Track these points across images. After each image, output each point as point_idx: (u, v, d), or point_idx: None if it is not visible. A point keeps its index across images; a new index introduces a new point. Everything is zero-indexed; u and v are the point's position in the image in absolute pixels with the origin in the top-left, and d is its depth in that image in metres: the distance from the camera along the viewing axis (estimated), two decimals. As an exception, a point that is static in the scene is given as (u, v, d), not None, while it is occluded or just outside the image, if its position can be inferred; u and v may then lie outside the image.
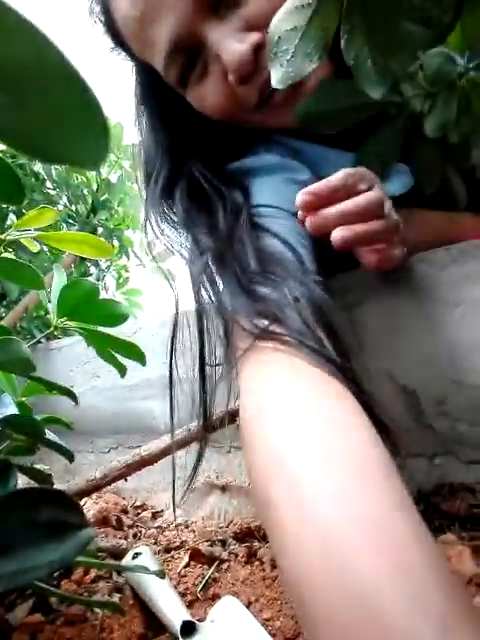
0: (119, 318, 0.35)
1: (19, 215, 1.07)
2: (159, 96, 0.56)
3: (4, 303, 1.09)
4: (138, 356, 0.39)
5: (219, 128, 0.56)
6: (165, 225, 0.56)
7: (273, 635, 0.36)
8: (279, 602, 0.40)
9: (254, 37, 0.45)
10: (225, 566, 0.47)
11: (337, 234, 0.36)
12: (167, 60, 0.49)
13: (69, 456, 0.41)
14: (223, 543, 0.51)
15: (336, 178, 0.37)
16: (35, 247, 0.36)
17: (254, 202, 0.53)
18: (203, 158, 0.57)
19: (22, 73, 0.09)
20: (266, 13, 0.44)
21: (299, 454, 0.24)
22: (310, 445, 0.24)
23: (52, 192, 1.19)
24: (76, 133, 0.10)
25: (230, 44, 0.45)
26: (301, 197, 0.37)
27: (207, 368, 0.61)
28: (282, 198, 0.52)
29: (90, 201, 1.30)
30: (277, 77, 0.32)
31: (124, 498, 0.70)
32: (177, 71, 0.50)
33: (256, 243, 0.46)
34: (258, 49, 0.45)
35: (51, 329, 0.37)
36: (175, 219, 0.55)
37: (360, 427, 0.26)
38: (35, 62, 0.09)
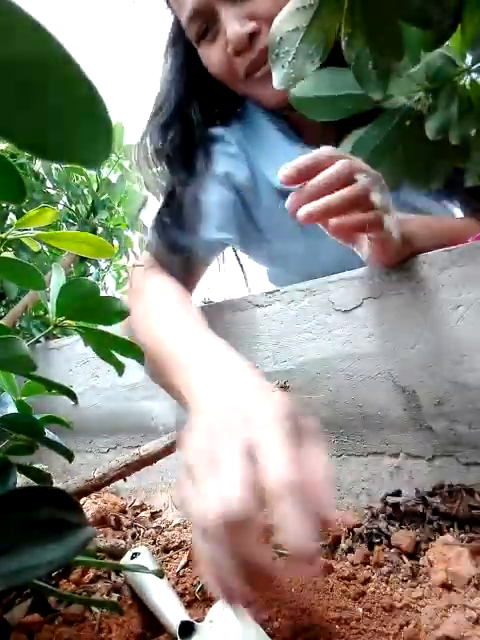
0: (118, 315, 0.35)
1: (19, 215, 1.07)
2: (185, 44, 0.70)
3: (3, 302, 1.09)
4: (137, 355, 0.39)
5: (221, 90, 0.71)
6: (154, 164, 0.74)
7: (272, 635, 0.36)
8: (278, 603, 0.40)
9: (252, 25, 0.60)
10: (224, 566, 0.46)
11: (301, 213, 0.39)
12: (188, 20, 0.64)
13: (68, 455, 0.41)
14: (222, 543, 0.50)
15: (312, 154, 0.42)
16: (37, 246, 0.35)
17: (213, 167, 0.71)
18: (203, 107, 0.73)
19: (25, 71, 0.09)
20: (268, 9, 0.59)
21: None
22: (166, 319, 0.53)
23: (52, 192, 1.19)
24: (79, 131, 0.10)
25: (234, 25, 0.60)
26: (282, 173, 0.41)
27: None
28: (227, 168, 0.73)
29: (90, 201, 1.29)
30: (279, 78, 0.32)
31: (123, 498, 0.70)
32: (194, 31, 0.64)
33: (196, 202, 0.68)
34: (253, 34, 0.60)
35: (50, 328, 0.36)
36: (165, 154, 0.72)
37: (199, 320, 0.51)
38: (39, 60, 0.09)
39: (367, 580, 0.41)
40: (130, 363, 0.46)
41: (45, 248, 1.08)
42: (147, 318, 0.55)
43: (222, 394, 0.33)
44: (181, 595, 0.40)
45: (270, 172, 0.75)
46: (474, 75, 0.32)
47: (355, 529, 0.46)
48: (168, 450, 0.56)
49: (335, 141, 0.71)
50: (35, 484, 0.43)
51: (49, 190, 1.19)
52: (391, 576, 0.40)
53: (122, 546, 0.50)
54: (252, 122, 0.77)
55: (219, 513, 0.24)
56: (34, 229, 0.35)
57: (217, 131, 0.76)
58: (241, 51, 0.61)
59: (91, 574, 0.47)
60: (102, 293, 0.35)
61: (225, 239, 0.75)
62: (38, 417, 0.40)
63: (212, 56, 0.65)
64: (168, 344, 0.47)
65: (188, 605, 0.40)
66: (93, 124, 0.10)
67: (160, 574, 0.35)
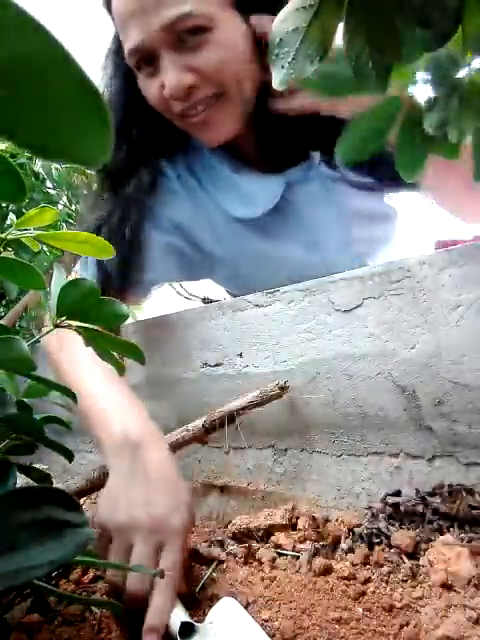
0: (119, 318, 0.35)
1: (19, 215, 1.07)
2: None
3: (3, 303, 1.09)
4: (137, 356, 0.39)
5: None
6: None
7: (272, 636, 0.36)
8: (278, 603, 0.40)
9: (190, 78, 0.60)
10: (224, 567, 0.46)
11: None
12: (130, 51, 0.62)
13: (68, 455, 0.41)
14: (221, 544, 0.51)
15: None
16: (37, 246, 0.35)
17: (156, 203, 0.73)
18: (147, 128, 0.72)
19: (25, 70, 0.09)
20: (210, 65, 0.60)
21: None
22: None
23: (52, 192, 1.19)
24: (77, 129, 0.10)
25: (173, 73, 0.60)
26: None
27: (206, 368, 0.64)
28: (168, 211, 0.74)
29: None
30: (278, 78, 0.32)
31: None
32: (134, 62, 0.63)
33: (137, 241, 0.70)
34: (191, 87, 0.60)
35: (50, 328, 0.36)
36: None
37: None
38: (36, 57, 0.09)
39: (367, 580, 0.41)
40: (130, 364, 0.45)
41: (45, 248, 1.08)
42: (68, 353, 0.61)
43: (132, 469, 0.46)
44: (181, 596, 0.40)
45: (226, 202, 0.75)
46: (474, 73, 0.32)
47: (355, 529, 0.46)
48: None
49: (283, 166, 0.76)
50: (35, 484, 0.43)
51: (49, 190, 1.19)
52: (391, 576, 0.40)
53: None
54: (200, 151, 0.76)
55: (125, 590, 0.38)
56: (34, 229, 0.35)
57: (160, 164, 0.75)
58: (177, 99, 0.62)
59: (91, 574, 0.47)
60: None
61: (160, 280, 0.78)
62: (38, 417, 0.40)
63: (150, 89, 0.65)
64: (88, 388, 0.56)
65: (188, 605, 0.40)
66: (93, 123, 0.10)
67: (160, 574, 0.35)
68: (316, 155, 0.74)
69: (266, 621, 0.38)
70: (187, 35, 0.58)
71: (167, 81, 0.60)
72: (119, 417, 0.52)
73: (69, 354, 0.60)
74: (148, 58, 0.61)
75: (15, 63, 0.09)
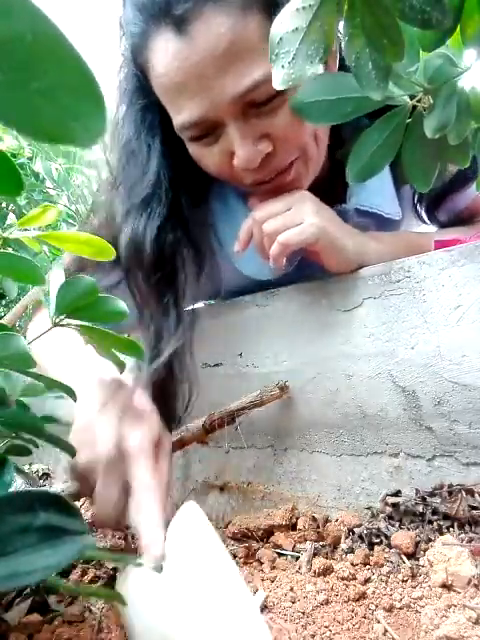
0: (119, 315, 0.35)
1: (19, 215, 1.07)
2: (152, 102, 0.56)
3: (3, 303, 1.09)
4: (137, 353, 0.39)
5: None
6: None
7: (272, 637, 0.36)
8: (278, 603, 0.40)
9: (265, 146, 0.52)
10: (223, 567, 0.46)
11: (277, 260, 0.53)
12: (185, 124, 0.53)
13: (70, 450, 0.41)
14: (221, 544, 0.50)
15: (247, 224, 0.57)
16: (37, 246, 0.35)
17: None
18: (179, 181, 0.60)
19: (18, 50, 0.09)
20: (286, 132, 0.52)
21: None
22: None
23: (52, 192, 1.19)
24: (72, 110, 0.10)
25: (246, 145, 0.51)
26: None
27: (206, 368, 0.63)
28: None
29: (90, 201, 1.30)
30: (278, 78, 0.32)
31: (122, 498, 0.70)
32: (189, 134, 0.54)
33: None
34: (268, 155, 0.53)
35: (50, 327, 0.36)
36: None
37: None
38: (31, 39, 0.09)
39: (367, 580, 0.40)
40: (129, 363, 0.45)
41: (45, 249, 1.08)
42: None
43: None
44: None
45: (239, 258, 0.65)
46: (473, 75, 0.32)
47: (355, 529, 0.46)
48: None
49: None
50: (35, 484, 0.43)
51: (49, 190, 1.19)
52: (391, 576, 0.40)
53: (122, 546, 0.50)
54: (226, 201, 0.67)
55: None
56: (34, 229, 0.35)
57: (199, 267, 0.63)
58: (251, 171, 0.54)
59: (91, 574, 0.47)
60: (102, 293, 0.35)
61: None
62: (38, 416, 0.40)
63: (209, 158, 0.56)
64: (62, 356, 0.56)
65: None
66: (87, 104, 0.10)
67: (159, 569, 0.35)
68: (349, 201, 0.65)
69: (266, 622, 0.38)
70: (261, 102, 0.50)
71: (239, 152, 0.52)
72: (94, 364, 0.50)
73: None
74: (209, 130, 0.53)
75: (11, 45, 0.09)
